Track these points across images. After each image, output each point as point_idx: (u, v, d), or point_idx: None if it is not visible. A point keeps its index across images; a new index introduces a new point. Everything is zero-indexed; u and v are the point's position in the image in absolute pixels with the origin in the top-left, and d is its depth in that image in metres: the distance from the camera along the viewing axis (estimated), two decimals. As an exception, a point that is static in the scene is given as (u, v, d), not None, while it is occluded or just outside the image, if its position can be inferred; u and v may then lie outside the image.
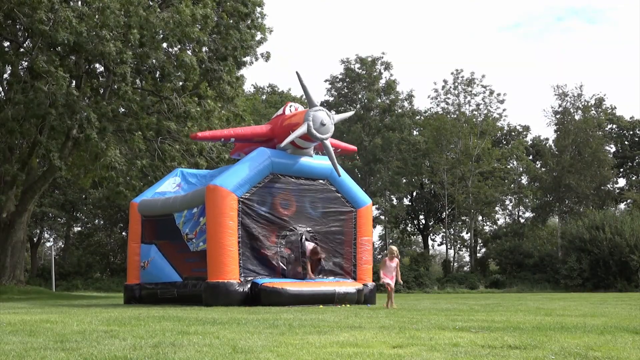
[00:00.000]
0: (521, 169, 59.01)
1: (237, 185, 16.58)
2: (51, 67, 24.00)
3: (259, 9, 30.15)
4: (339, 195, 18.29)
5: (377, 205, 51.98)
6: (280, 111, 18.48)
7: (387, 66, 53.93)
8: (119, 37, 24.72)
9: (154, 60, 25.70)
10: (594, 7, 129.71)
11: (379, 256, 58.49)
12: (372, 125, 52.56)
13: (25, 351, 5.99)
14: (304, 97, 18.60)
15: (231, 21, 28.80)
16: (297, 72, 16.92)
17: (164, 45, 26.27)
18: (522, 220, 58.89)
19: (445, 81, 53.59)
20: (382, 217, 53.80)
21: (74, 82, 28.31)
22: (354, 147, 21.21)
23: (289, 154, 17.46)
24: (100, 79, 28.16)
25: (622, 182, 60.26)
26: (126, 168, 27.72)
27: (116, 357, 5.62)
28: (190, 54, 26.74)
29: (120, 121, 27.74)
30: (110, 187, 28.72)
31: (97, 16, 24.42)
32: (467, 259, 61.57)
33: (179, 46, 27.20)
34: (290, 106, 18.32)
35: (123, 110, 28.15)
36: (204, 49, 28.03)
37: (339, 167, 17.67)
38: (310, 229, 17.61)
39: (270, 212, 17.12)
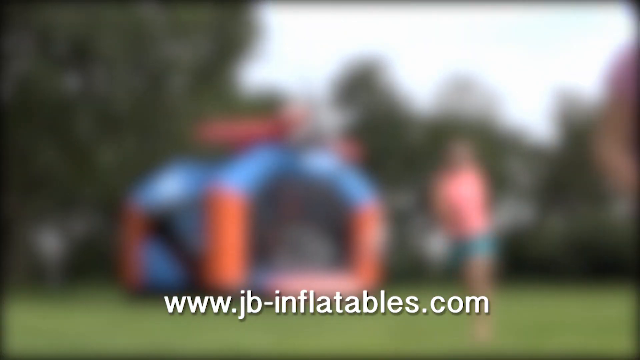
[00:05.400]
0: (521, 169, 58.94)
1: (241, 184, 16.56)
2: (44, 69, 23.91)
3: (257, 9, 30.06)
4: (343, 193, 18.29)
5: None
6: (283, 111, 18.50)
7: (388, 67, 53.88)
8: (115, 34, 24.65)
9: (150, 57, 25.58)
10: (593, 8, 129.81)
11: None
12: (371, 125, 52.53)
13: (26, 351, 6.00)
14: (307, 96, 18.59)
15: (229, 20, 28.69)
16: (303, 70, 17.02)
17: (162, 44, 26.15)
18: (522, 220, 58.86)
19: (442, 81, 53.54)
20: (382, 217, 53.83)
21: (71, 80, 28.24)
22: (357, 153, 21.11)
23: (293, 153, 17.43)
24: (97, 75, 28.04)
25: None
26: (117, 166, 27.57)
27: (116, 357, 5.63)
28: (185, 55, 26.62)
29: (115, 119, 27.62)
30: (109, 186, 28.72)
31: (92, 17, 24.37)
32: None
33: (176, 45, 27.07)
34: (294, 106, 18.33)
35: (119, 107, 28.02)
36: (202, 47, 27.93)
37: (342, 165, 17.66)
38: (317, 226, 17.63)
39: (274, 210, 17.10)
